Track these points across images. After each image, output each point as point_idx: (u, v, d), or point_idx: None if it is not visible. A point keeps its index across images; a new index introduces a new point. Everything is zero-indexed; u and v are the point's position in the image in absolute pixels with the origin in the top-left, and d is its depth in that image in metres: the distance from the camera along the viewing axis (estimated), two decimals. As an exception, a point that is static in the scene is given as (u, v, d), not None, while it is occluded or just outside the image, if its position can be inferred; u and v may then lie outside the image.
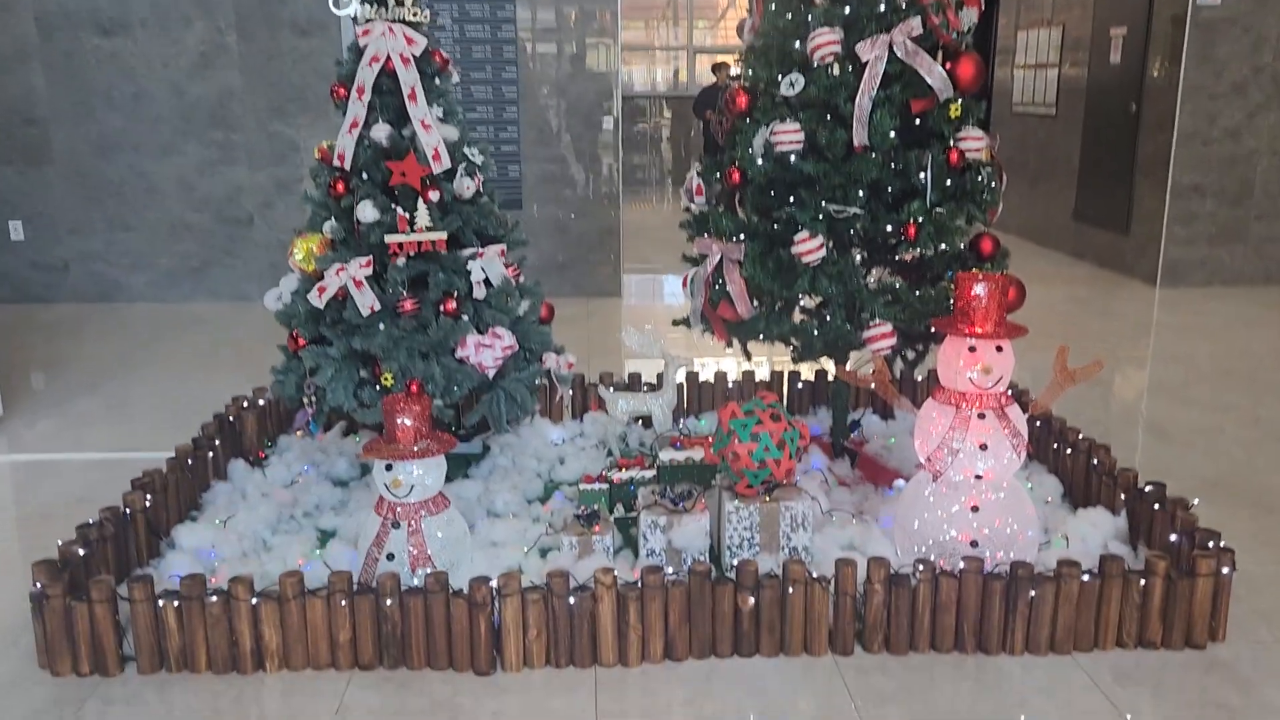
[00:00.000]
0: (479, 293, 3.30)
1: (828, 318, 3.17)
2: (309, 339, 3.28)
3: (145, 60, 6.54)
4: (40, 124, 6.58)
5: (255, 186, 6.78)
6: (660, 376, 3.96)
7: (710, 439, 3.45)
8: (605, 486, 3.30)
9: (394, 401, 2.74)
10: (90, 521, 2.79)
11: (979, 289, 2.71)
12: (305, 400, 3.29)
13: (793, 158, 3.13)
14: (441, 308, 3.25)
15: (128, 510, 2.92)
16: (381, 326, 3.20)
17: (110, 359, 5.52)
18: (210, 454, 3.49)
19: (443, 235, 3.22)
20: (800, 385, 4.14)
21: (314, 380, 3.23)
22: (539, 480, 3.56)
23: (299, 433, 3.83)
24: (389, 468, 2.70)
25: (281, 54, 6.60)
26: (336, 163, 3.25)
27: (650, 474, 3.33)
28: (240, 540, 3.05)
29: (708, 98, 11.90)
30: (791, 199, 3.17)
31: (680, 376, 3.92)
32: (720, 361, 5.34)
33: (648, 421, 3.97)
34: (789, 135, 3.13)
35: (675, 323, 3.68)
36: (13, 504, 3.68)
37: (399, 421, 2.72)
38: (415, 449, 2.71)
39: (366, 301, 3.16)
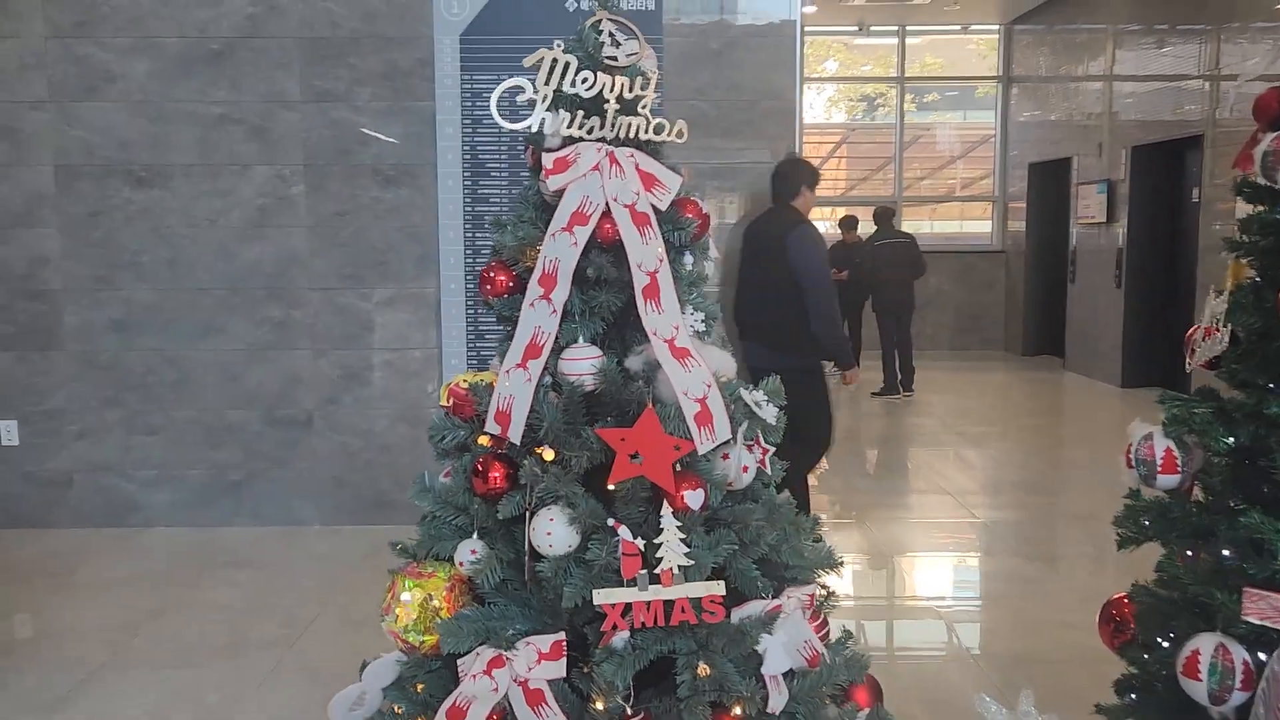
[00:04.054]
0: (777, 700, 1.55)
1: None
2: (421, 803, 1.53)
3: (186, 217, 5.08)
4: (49, 298, 5.09)
5: (318, 376, 5.20)
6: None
7: None
8: None
9: None
10: None
11: None
12: None
13: None
14: (712, 740, 1.49)
15: None
16: (582, 788, 1.45)
17: (103, 631, 3.80)
18: None
19: (718, 587, 1.50)
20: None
21: None
22: None
23: None
24: None
25: (359, 208, 5.13)
26: (493, 426, 1.57)
27: None
28: None
29: (838, 259, 10.36)
30: None
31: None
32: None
33: None
34: None
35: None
36: None
37: None
38: None
39: (554, 740, 1.43)
